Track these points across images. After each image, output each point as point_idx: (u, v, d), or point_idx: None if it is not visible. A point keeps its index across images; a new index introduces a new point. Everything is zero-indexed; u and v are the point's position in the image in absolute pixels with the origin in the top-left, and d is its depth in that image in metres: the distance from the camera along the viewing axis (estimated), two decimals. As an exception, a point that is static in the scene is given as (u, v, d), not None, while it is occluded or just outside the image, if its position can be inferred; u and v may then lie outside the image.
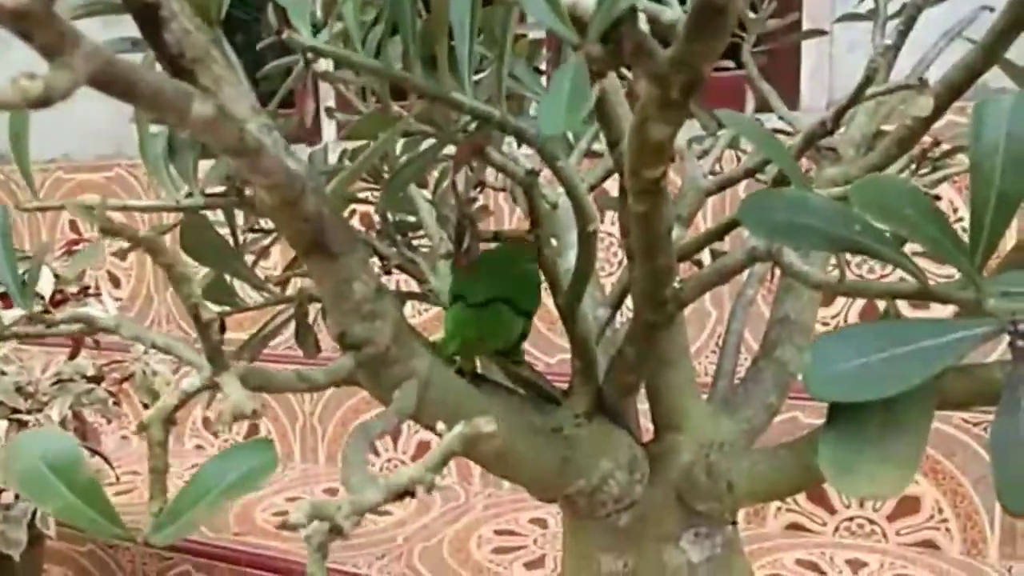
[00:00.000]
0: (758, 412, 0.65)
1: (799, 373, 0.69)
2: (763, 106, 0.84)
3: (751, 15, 0.76)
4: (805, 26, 1.54)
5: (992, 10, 0.77)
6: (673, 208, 0.58)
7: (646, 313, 0.46)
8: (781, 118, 0.77)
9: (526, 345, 0.63)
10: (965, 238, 0.33)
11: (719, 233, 0.44)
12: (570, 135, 0.72)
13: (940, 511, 1.54)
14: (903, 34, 0.65)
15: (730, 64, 0.81)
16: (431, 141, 0.44)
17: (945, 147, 0.74)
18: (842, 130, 0.74)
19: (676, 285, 0.44)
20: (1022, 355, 0.29)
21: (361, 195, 0.78)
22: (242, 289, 0.65)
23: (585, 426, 0.61)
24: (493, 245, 0.54)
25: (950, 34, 0.75)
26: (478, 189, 0.68)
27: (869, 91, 0.51)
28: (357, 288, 0.37)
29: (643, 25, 0.26)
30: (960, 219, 1.53)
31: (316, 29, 0.51)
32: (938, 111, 0.56)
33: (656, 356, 0.62)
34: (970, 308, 0.33)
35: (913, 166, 0.72)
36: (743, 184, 0.88)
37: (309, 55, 0.43)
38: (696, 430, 0.63)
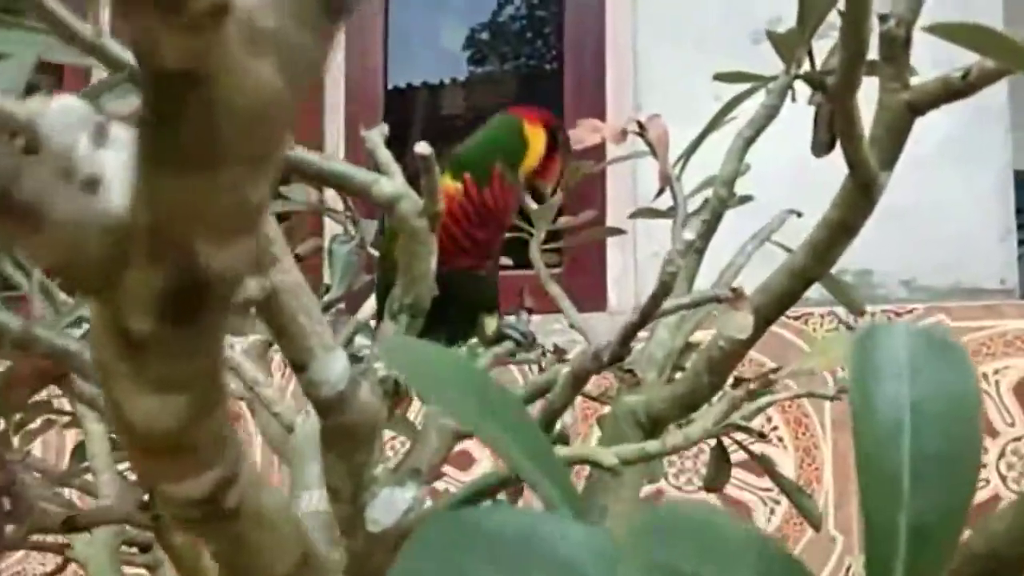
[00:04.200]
0: None
1: None
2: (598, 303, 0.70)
3: (534, 206, 0.63)
4: (609, 224, 1.49)
5: (800, 214, 0.67)
6: (409, 459, 0.40)
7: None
8: (572, 326, 0.63)
9: None
10: None
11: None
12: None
13: None
14: (705, 235, 0.53)
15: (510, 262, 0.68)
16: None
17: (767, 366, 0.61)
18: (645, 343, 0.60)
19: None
20: None
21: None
22: None
23: None
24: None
25: (760, 237, 0.65)
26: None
27: (670, 304, 0.36)
28: None
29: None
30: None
31: None
32: (761, 329, 0.42)
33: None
34: None
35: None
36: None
37: None
38: None
